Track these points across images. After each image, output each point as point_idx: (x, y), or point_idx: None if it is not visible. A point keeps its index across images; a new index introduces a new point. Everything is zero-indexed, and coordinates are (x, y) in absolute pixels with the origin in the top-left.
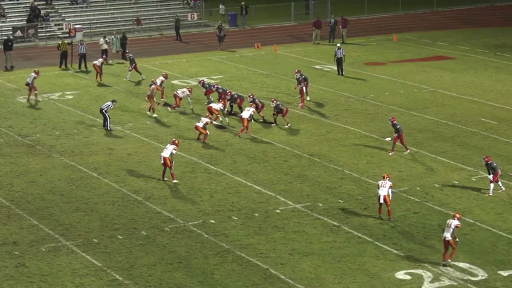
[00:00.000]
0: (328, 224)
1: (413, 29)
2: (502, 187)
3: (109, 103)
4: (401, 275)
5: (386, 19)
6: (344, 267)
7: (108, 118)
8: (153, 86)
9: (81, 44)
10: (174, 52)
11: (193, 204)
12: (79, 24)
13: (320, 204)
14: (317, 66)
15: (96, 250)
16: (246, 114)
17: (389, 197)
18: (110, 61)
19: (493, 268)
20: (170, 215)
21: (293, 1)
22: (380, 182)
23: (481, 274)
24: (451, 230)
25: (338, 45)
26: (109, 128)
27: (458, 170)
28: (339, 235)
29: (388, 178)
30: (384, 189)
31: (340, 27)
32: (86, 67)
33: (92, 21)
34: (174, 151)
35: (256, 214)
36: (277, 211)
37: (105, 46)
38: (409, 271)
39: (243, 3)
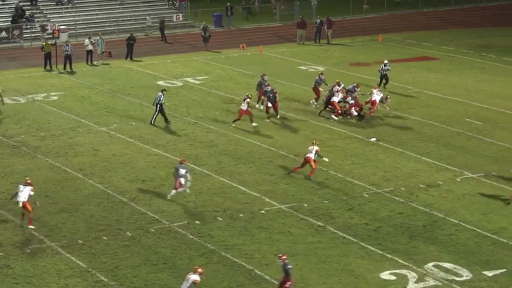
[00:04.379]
0: (313, 225)
1: (399, 30)
2: None
3: (160, 93)
4: (386, 275)
5: (371, 20)
6: (329, 267)
7: (163, 109)
8: (247, 99)
9: (66, 45)
10: (159, 53)
11: (178, 205)
12: (64, 25)
13: (305, 205)
14: (303, 67)
15: (81, 251)
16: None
17: None
18: (95, 62)
19: (477, 268)
20: (155, 216)
21: (279, 2)
22: None
23: (466, 275)
24: (188, 284)
25: (386, 61)
26: (152, 122)
27: (443, 170)
28: (324, 235)
29: None
30: None
31: (326, 27)
32: (71, 68)
33: (77, 22)
34: (31, 192)
35: (241, 215)
36: (262, 211)
37: (90, 47)
38: (394, 271)
39: (228, 4)
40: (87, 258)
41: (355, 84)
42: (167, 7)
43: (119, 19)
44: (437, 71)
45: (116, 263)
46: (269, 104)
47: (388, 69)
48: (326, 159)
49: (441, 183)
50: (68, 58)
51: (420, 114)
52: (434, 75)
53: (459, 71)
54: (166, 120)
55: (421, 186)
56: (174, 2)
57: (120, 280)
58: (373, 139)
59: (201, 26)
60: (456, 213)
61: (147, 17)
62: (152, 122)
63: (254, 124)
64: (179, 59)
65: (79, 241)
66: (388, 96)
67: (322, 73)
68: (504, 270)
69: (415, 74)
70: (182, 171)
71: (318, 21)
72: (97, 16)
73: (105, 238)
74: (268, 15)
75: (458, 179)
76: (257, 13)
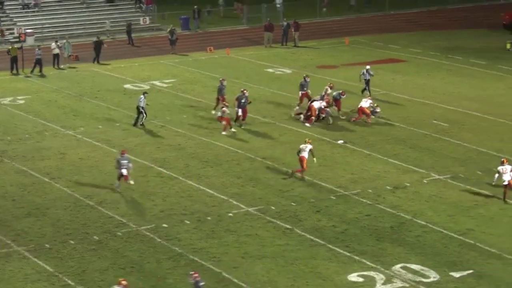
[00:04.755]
0: (280, 227)
1: (365, 32)
2: None
3: (141, 96)
4: (353, 277)
5: (338, 22)
6: (297, 270)
7: (145, 115)
8: (224, 108)
9: (38, 49)
10: (126, 56)
11: (145, 208)
12: (30, 28)
13: (273, 207)
14: (270, 70)
15: (48, 255)
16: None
17: None
18: (62, 66)
19: (445, 270)
20: (123, 219)
21: (246, 5)
22: (500, 168)
23: (433, 276)
24: None
25: (368, 67)
26: (140, 124)
27: (410, 172)
28: (292, 238)
29: (507, 163)
30: (507, 174)
31: (293, 30)
32: (41, 71)
33: (44, 26)
34: None
35: (209, 218)
36: (230, 214)
37: (57, 51)
38: (362, 273)
39: (195, 6)
40: (54, 262)
41: (341, 91)
42: (134, 10)
43: (86, 22)
44: (404, 73)
45: (83, 267)
46: (240, 112)
47: (371, 75)
48: (315, 160)
49: (408, 184)
50: (38, 62)
51: (387, 116)
52: (401, 77)
53: (426, 73)
54: (135, 123)
55: (388, 188)
56: (141, 5)
57: (87, 284)
58: (341, 142)
59: (168, 29)
60: (423, 215)
61: (106, 21)
62: (142, 123)
63: (233, 130)
64: (146, 62)
65: (46, 245)
66: (376, 105)
67: (307, 76)
68: (471, 271)
69: (382, 76)
70: (124, 162)
71: (285, 23)
72: (64, 20)
73: (72, 242)
74: (236, 18)
75: (425, 181)
76: (221, 16)
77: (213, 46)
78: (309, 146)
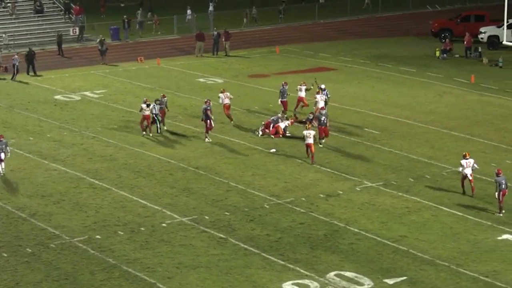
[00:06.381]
0: (215, 237)
1: (296, 41)
2: None
3: (153, 104)
4: (288, 285)
5: (268, 32)
6: (232, 279)
7: (157, 121)
8: (151, 106)
9: (16, 55)
10: (56, 67)
11: (78, 219)
12: None
13: (207, 217)
14: (201, 79)
15: None
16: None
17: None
18: None
19: (378, 277)
20: (55, 231)
21: (176, 14)
22: (464, 162)
23: (367, 283)
24: None
25: (322, 86)
26: (159, 132)
27: (343, 180)
28: (226, 247)
29: (469, 156)
30: (469, 168)
31: (223, 40)
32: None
33: None
34: None
35: (143, 229)
36: (164, 225)
37: None
38: (296, 281)
39: (125, 16)
40: None
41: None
42: (63, 20)
43: (15, 33)
44: (335, 82)
45: (17, 279)
46: (212, 124)
47: (328, 97)
48: (323, 140)
49: (341, 192)
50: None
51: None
52: (332, 85)
53: (356, 81)
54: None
55: (321, 196)
56: (71, 16)
57: None
58: (273, 150)
59: (98, 40)
60: (357, 222)
61: (3, 35)
62: (159, 132)
63: (144, 133)
64: (76, 73)
65: None
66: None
67: (285, 83)
68: (405, 277)
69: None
70: (2, 146)
71: (215, 33)
72: None
73: (5, 254)
74: (167, 28)
75: (357, 188)
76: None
77: (144, 56)
78: (312, 132)
